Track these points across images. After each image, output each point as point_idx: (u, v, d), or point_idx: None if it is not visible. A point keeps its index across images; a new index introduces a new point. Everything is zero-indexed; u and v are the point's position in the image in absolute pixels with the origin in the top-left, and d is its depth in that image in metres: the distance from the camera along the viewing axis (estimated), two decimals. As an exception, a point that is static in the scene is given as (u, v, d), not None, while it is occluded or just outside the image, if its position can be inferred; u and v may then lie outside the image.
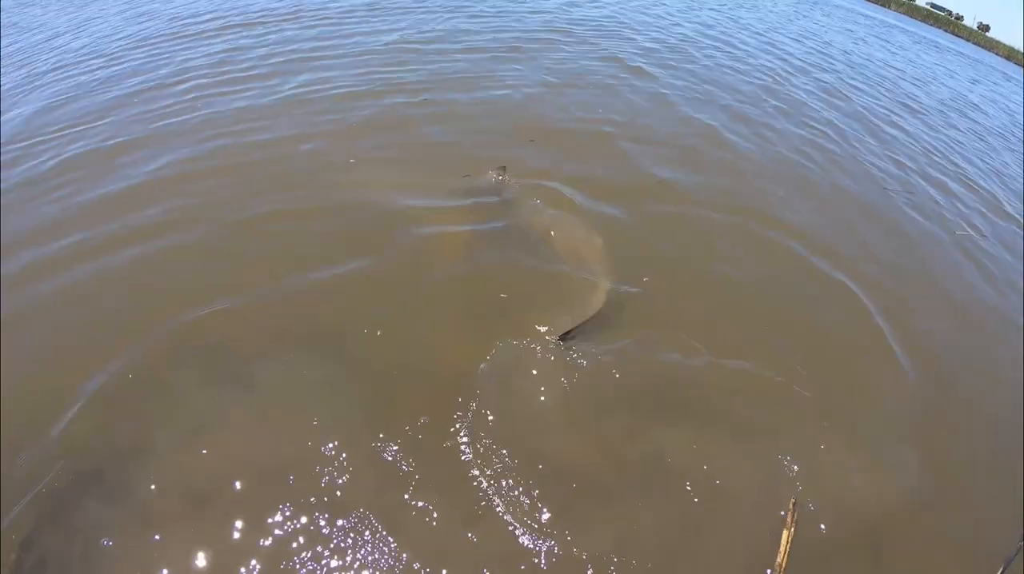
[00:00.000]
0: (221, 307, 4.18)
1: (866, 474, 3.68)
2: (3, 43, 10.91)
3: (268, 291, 4.39)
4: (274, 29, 10.38)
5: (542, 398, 3.73)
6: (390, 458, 3.28)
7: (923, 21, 47.40)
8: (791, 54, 14.60)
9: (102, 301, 4.28)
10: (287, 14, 11.28)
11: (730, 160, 7.45)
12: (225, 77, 8.20)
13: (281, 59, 8.95)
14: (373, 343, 4.01)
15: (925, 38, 32.94)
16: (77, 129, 6.79)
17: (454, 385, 3.74)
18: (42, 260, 4.63)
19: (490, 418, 3.53)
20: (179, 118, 6.99)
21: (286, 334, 4.06)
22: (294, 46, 9.59)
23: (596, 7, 15.32)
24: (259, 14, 11.31)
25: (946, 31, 46.11)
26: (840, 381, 4.37)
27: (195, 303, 4.19)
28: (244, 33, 10.17)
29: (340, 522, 2.98)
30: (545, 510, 3.14)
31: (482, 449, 3.36)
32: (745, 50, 13.70)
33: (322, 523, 2.96)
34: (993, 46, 44.04)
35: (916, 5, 52.67)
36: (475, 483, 3.21)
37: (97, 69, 8.72)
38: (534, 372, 3.87)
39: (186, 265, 4.65)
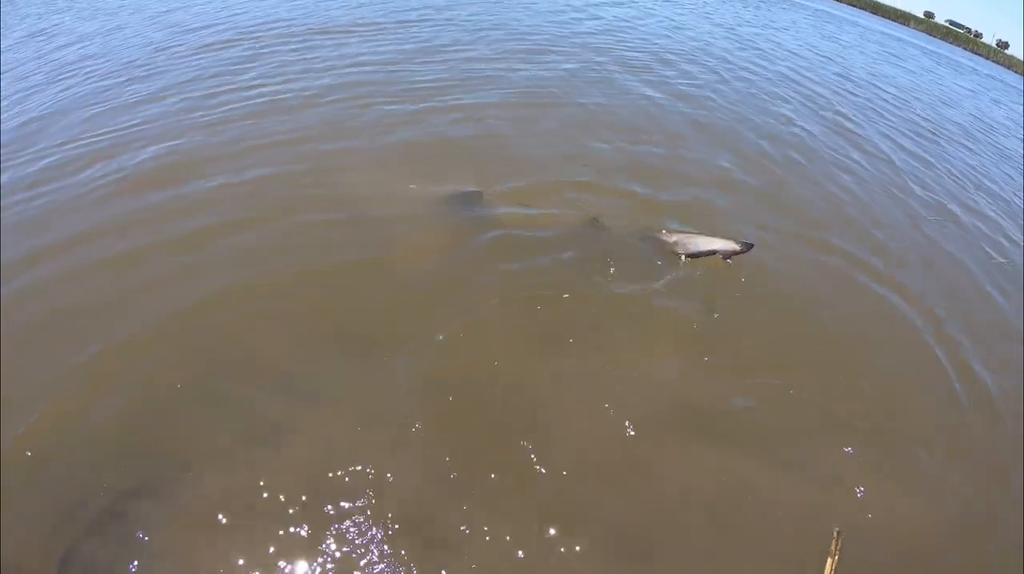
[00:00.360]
0: (247, 310, 4.27)
1: (913, 500, 3.63)
2: (31, 48, 11.17)
3: (288, 292, 4.47)
4: (302, 42, 10.58)
5: (582, 413, 3.73)
6: (438, 467, 3.29)
7: (942, 39, 47.06)
8: (810, 75, 14.58)
9: (124, 303, 4.32)
10: (316, 29, 11.48)
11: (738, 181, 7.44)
12: (251, 85, 8.36)
13: (303, 68, 9.12)
14: (420, 346, 4.04)
15: (946, 57, 32.71)
16: (106, 132, 6.96)
17: (508, 395, 3.78)
18: (56, 255, 4.75)
19: (537, 435, 3.53)
20: (202, 120, 7.18)
21: (314, 336, 4.11)
22: (318, 53, 9.81)
23: (607, 21, 15.46)
24: (286, 27, 11.53)
25: (965, 49, 45.79)
26: (887, 404, 4.33)
27: (218, 304, 4.30)
28: (271, 45, 10.37)
29: (385, 532, 2.97)
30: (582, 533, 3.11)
31: (530, 467, 3.36)
32: (762, 70, 13.73)
33: (365, 535, 2.96)
34: (1013, 64, 43.57)
35: (935, 22, 52.42)
36: (525, 505, 3.20)
37: (125, 76, 8.90)
38: (577, 390, 3.87)
39: (196, 265, 4.71)
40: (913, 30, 46.56)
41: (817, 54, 18.09)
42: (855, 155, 9.24)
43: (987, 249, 7.32)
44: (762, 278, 5.35)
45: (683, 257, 5.03)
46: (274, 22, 11.84)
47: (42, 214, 5.35)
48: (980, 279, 6.48)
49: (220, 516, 2.96)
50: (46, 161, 6.33)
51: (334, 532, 2.95)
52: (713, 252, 4.97)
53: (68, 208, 5.44)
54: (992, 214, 8.68)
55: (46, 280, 4.50)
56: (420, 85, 8.76)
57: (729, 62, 13.49)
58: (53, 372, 3.75)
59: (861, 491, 3.60)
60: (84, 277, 4.53)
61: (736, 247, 4.91)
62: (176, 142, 6.65)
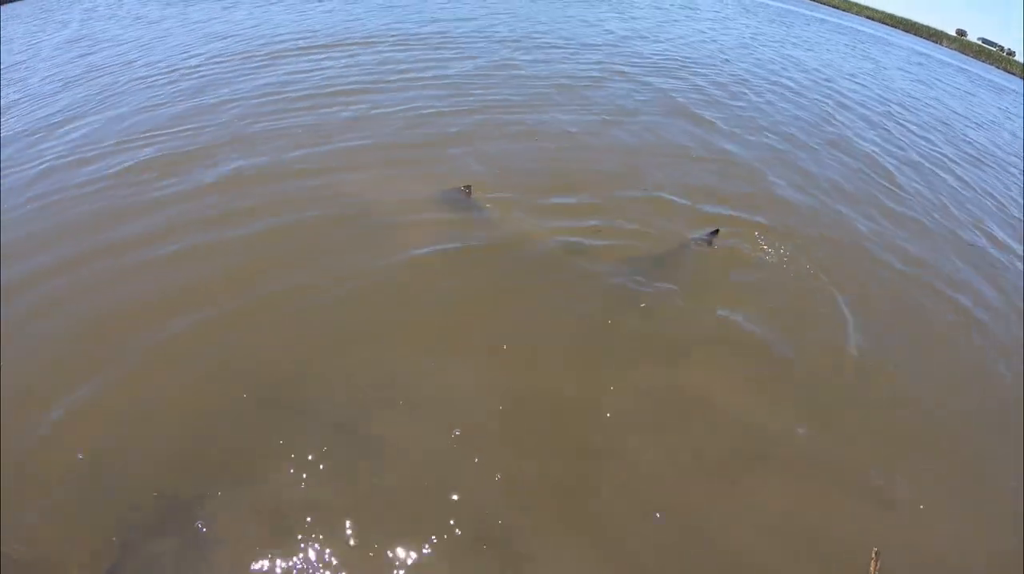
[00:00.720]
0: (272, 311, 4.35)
1: (958, 530, 3.53)
2: (75, 53, 11.46)
3: (315, 293, 4.57)
4: (343, 53, 10.79)
5: (647, 440, 3.69)
6: (503, 484, 3.23)
7: (975, 57, 46.35)
8: (847, 95, 14.41)
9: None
10: (358, 40, 11.73)
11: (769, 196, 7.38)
12: (293, 93, 8.53)
13: (342, 76, 9.28)
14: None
15: (979, 76, 32.09)
16: (152, 135, 7.22)
17: (573, 413, 3.80)
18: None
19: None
20: (247, 129, 7.36)
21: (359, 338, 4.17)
22: (358, 60, 9.97)
23: (621, 35, 15.45)
24: (325, 38, 11.75)
25: (998, 68, 44.99)
26: (941, 433, 4.26)
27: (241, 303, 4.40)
28: (313, 56, 10.57)
29: (448, 544, 2.96)
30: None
31: (597, 498, 3.31)
32: (799, 89, 13.59)
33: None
34: (1049, 84, 42.53)
35: (967, 40, 51.62)
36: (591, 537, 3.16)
37: (168, 84, 9.11)
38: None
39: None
40: (946, 48, 45.89)
41: (850, 74, 17.88)
42: (889, 180, 9.07)
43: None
44: (804, 295, 5.35)
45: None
46: (313, 33, 12.06)
47: (74, 208, 5.60)
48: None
49: (277, 523, 2.96)
50: (86, 155, 6.65)
51: (398, 543, 2.92)
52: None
53: (103, 202, 5.71)
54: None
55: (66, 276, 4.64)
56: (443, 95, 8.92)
57: (761, 81, 13.39)
58: (99, 369, 3.79)
59: (904, 516, 3.55)
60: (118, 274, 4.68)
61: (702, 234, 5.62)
62: (218, 144, 6.89)
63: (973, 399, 4.68)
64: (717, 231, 5.65)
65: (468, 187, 6.01)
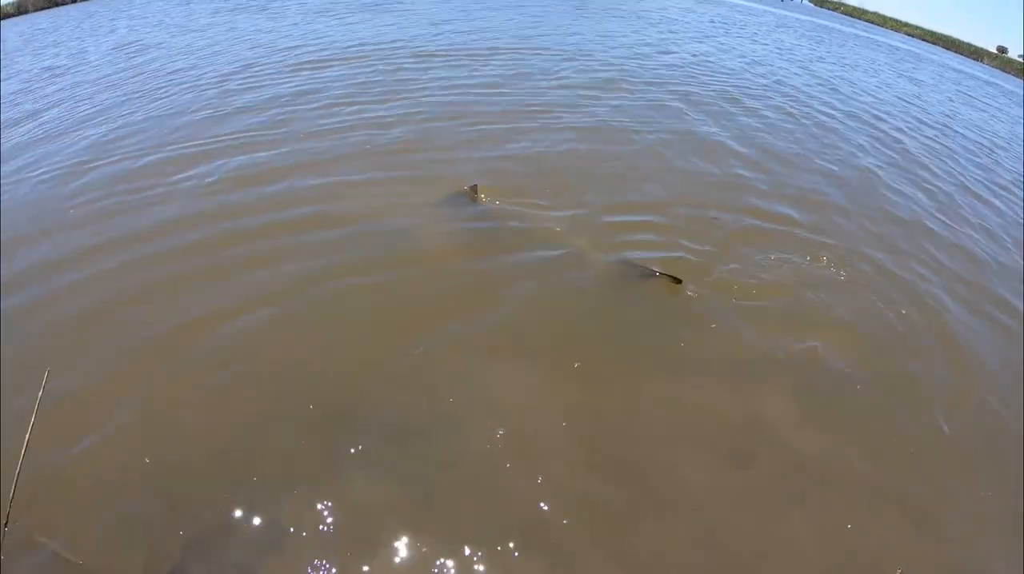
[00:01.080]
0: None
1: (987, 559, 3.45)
2: (121, 57, 11.86)
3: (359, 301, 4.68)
4: (388, 64, 11.05)
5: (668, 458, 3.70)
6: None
7: (1016, 75, 45.15)
8: (885, 116, 14.19)
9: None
10: (408, 52, 12.01)
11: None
12: (341, 102, 8.80)
13: (389, 88, 9.50)
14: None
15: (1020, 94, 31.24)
16: (191, 137, 7.63)
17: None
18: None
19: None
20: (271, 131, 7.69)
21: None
22: (404, 75, 10.16)
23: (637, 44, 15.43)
24: (372, 49, 12.07)
25: (1041, 87, 43.69)
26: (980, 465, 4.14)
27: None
28: (357, 64, 10.89)
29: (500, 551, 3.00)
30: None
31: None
32: (826, 108, 13.44)
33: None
34: (1094, 106, 41.19)
35: (1008, 58, 50.31)
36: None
37: (209, 88, 9.45)
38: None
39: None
40: (987, 66, 44.83)
41: (909, 100, 17.49)
42: (926, 202, 8.90)
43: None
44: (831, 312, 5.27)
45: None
46: (360, 44, 12.38)
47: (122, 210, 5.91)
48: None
49: (332, 528, 3.03)
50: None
51: (449, 547, 2.99)
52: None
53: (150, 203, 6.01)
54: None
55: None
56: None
57: (800, 100, 13.25)
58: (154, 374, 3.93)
59: (931, 540, 3.49)
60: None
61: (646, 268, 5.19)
62: (265, 153, 7.13)
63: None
64: (660, 275, 5.10)
65: (474, 187, 6.06)
